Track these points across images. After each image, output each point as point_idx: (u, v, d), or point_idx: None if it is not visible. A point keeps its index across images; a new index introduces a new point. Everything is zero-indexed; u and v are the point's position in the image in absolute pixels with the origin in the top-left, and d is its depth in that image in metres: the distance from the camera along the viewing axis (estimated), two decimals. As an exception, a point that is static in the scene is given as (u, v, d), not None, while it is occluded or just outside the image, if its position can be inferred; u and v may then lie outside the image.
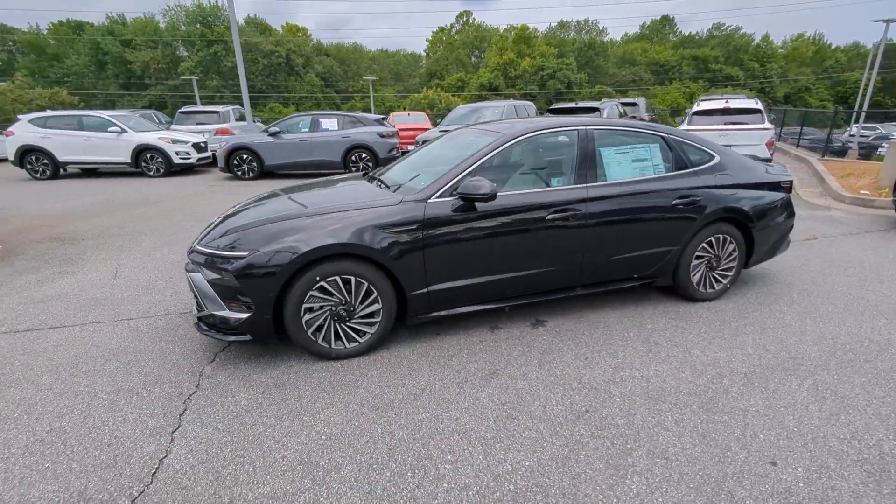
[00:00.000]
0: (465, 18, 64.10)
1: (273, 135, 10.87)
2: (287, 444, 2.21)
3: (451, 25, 65.15)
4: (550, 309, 3.67)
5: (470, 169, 3.08)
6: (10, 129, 11.53)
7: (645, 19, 77.68)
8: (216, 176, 11.65)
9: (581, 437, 2.23)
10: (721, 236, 3.64)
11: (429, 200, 2.96)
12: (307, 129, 11.01)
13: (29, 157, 11.36)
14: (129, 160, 11.50)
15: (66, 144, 11.33)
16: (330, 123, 11.05)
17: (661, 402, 2.49)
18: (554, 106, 10.00)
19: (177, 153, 11.57)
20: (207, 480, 2.00)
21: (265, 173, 11.14)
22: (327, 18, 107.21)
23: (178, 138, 11.73)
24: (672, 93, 50.17)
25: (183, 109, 14.24)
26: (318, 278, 2.77)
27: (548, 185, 3.33)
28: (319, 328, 2.88)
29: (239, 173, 10.99)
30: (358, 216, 2.86)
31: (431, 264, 2.96)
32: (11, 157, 11.42)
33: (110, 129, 11.36)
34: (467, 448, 2.17)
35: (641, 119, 13.87)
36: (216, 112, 13.96)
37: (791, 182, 3.95)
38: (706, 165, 3.66)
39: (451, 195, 2.98)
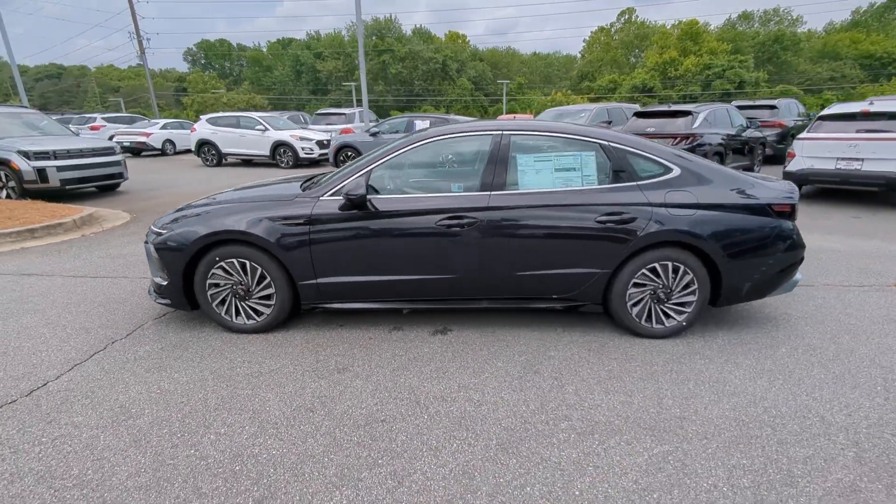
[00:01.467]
0: (626, 16, 59.89)
1: (373, 135, 11.83)
2: (130, 390, 2.61)
3: (612, 24, 61.50)
4: (464, 319, 3.49)
5: (363, 171, 3.12)
6: (194, 126, 14.59)
7: (860, 4, 62.69)
8: (329, 169, 13.13)
9: (334, 445, 2.18)
10: (670, 264, 3.03)
11: (320, 199, 3.10)
12: (403, 130, 11.71)
13: (203, 148, 14.25)
14: (268, 153, 13.64)
15: (227, 139, 13.92)
16: (422, 125, 11.56)
17: (463, 430, 2.27)
18: (641, 110, 8.97)
19: (302, 149, 13.35)
20: (57, 403, 2.48)
21: (365, 169, 12.18)
22: (494, 24, 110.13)
23: (306, 136, 13.51)
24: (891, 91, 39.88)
25: (318, 111, 16.29)
26: (217, 259, 3.13)
27: (448, 191, 3.19)
28: (223, 302, 3.25)
29: (344, 168, 12.23)
30: (259, 208, 3.14)
31: (319, 258, 3.10)
32: (193, 148, 14.46)
33: (257, 127, 13.62)
34: (245, 427, 2.30)
35: (780, 125, 11.55)
36: (343, 114, 15.66)
37: (790, 206, 3.07)
38: (657, 179, 3.07)
39: (339, 195, 3.08)
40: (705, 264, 3.04)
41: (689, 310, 3.11)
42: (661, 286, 3.08)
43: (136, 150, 18.20)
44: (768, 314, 3.54)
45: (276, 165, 13.76)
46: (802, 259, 3.20)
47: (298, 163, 13.45)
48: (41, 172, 8.22)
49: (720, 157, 8.36)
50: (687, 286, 3.07)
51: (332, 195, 3.10)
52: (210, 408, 2.45)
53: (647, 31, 57.22)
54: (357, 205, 3.01)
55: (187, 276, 3.20)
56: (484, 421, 2.34)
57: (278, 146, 13.50)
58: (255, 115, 14.12)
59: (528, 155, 3.13)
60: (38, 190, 8.24)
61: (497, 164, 3.09)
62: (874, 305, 3.65)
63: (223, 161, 14.36)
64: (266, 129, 13.56)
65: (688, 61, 46.07)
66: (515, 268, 3.08)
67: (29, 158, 8.16)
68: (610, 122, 9.71)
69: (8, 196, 8.34)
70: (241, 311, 3.26)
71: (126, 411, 2.42)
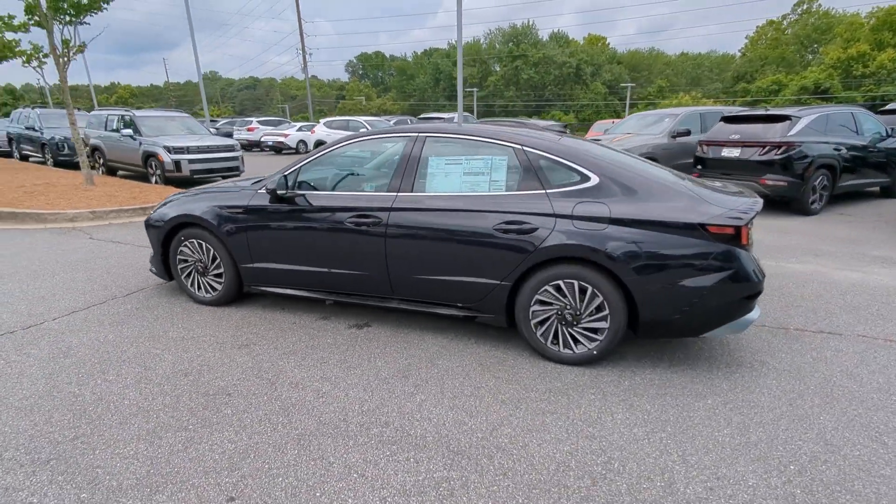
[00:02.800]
0: (805, 5, 50.90)
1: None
2: (84, 336, 3.20)
3: (784, 17, 52.85)
4: (387, 317, 3.50)
5: (292, 168, 3.34)
6: (313, 128, 16.48)
7: None
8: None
9: (172, 405, 2.41)
10: (576, 283, 2.67)
11: (257, 191, 3.40)
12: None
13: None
14: (368, 154, 14.80)
15: (337, 140, 15.44)
16: (502, 129, 11.45)
17: (284, 416, 2.34)
18: (731, 113, 7.68)
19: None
20: (34, 338, 3.17)
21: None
22: (645, 23, 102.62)
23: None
24: None
25: (422, 116, 17.10)
26: (182, 238, 3.65)
27: (362, 190, 3.24)
28: (189, 276, 3.76)
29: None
30: (216, 198, 3.57)
31: (253, 245, 3.41)
32: (311, 148, 16.33)
33: (360, 130, 14.87)
34: (128, 378, 2.68)
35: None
36: (442, 118, 16.20)
37: (733, 228, 2.47)
38: (570, 188, 2.73)
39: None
40: (620, 287, 2.62)
41: (600, 337, 2.71)
42: (567, 307, 2.74)
43: (278, 149, 21.14)
44: (737, 359, 2.89)
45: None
46: (756, 293, 2.57)
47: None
48: (177, 164, 10.13)
49: (831, 171, 6.80)
50: (599, 310, 2.68)
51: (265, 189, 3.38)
52: (122, 359, 2.91)
53: (830, 21, 47.90)
54: (278, 198, 3.25)
55: (165, 251, 3.78)
56: (309, 412, 2.39)
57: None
58: (361, 118, 15.43)
59: (439, 158, 3.04)
60: (174, 177, 10.17)
61: (408, 166, 3.06)
62: (874, 370, 2.74)
63: (333, 160, 15.95)
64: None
65: (883, 56, 37.49)
66: (419, 271, 3.01)
67: (170, 152, 10.13)
68: (690, 130, 8.50)
69: (156, 181, 10.47)
70: (202, 286, 3.74)
71: (65, 351, 3.00)
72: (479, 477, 1.95)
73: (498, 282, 2.83)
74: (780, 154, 6.54)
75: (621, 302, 2.62)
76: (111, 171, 11.97)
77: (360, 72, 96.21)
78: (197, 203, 3.59)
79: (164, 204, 3.83)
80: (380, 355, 2.96)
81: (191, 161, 10.33)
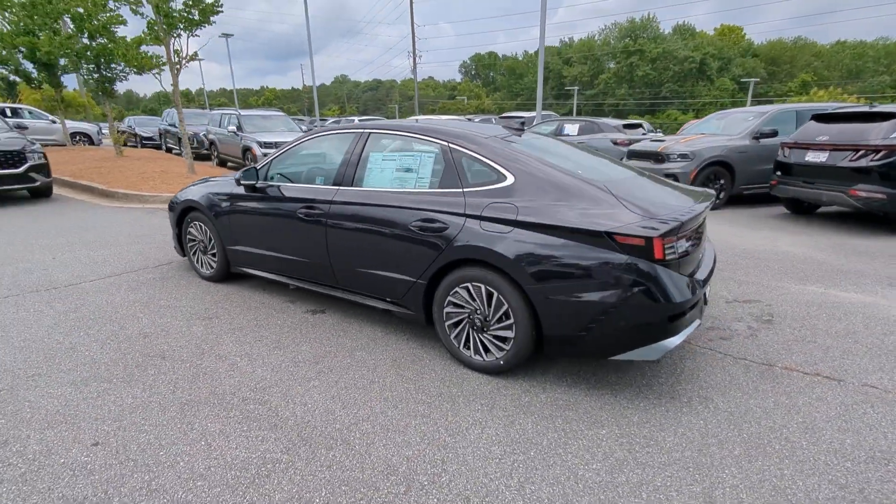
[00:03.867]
0: None
1: (523, 137, 11.76)
2: (102, 297, 3.80)
3: None
4: (339, 305, 3.62)
5: (266, 161, 3.60)
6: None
7: None
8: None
9: (107, 358, 2.77)
10: (483, 287, 2.52)
11: (240, 181, 3.73)
12: (555, 133, 11.28)
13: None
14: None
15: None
16: (571, 129, 10.91)
17: (180, 378, 2.58)
18: (824, 112, 6.40)
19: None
20: (67, 294, 3.85)
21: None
22: (799, 6, 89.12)
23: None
24: None
25: (503, 114, 16.89)
26: (188, 220, 4.14)
27: (314, 183, 3.37)
28: (195, 253, 4.25)
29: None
30: (215, 186, 3.98)
31: (234, 229, 3.76)
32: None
33: (439, 128, 15.21)
34: (101, 334, 3.15)
35: None
36: (522, 117, 15.85)
37: (643, 239, 2.11)
38: (486, 188, 2.57)
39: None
40: (525, 296, 2.42)
41: (507, 347, 2.53)
42: (477, 311, 2.60)
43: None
44: (679, 391, 2.49)
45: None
46: (677, 315, 2.19)
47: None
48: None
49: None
50: (506, 317, 2.50)
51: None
52: (110, 318, 3.41)
53: None
54: (249, 188, 3.55)
55: (181, 230, 4.32)
56: (212, 381, 2.59)
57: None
58: (434, 119, 15.72)
59: (379, 153, 3.07)
60: (263, 169, 11.41)
61: (350, 161, 3.13)
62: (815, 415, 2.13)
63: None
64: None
65: None
66: (354, 263, 3.08)
67: (261, 146, 11.38)
68: (777, 131, 7.21)
69: (250, 172, 11.84)
70: (203, 263, 4.21)
71: (77, 308, 3.61)
72: (304, 465, 1.98)
73: (415, 279, 2.79)
74: (879, 160, 5.34)
75: (526, 311, 2.42)
76: (222, 163, 13.78)
77: (473, 72, 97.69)
78: (199, 189, 4.05)
79: (184, 189, 4.38)
80: (311, 340, 3.09)
81: (277, 155, 11.50)
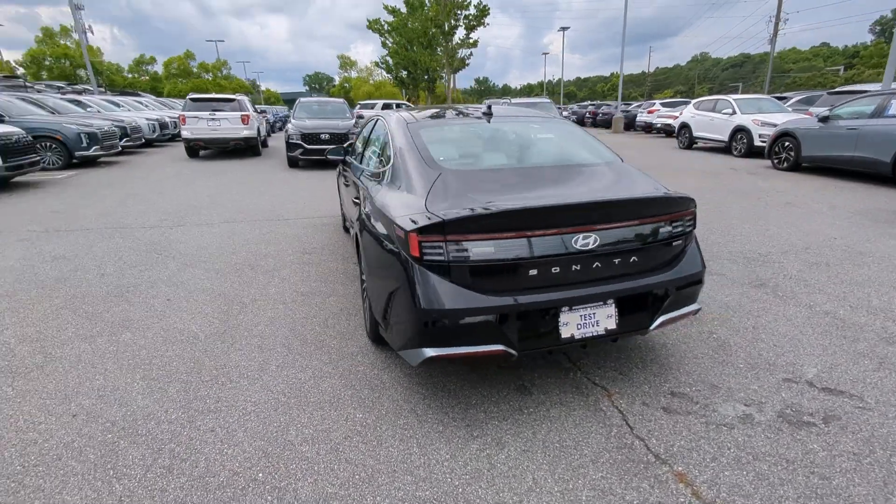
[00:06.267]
0: None
1: (823, 120, 8.53)
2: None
3: None
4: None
5: (350, 141, 4.57)
6: (678, 110, 15.03)
7: None
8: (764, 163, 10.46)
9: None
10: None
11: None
12: (868, 114, 7.77)
13: (682, 131, 14.62)
14: (726, 139, 12.39)
15: (700, 122, 13.63)
16: (902, 105, 7.21)
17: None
18: None
19: (759, 136, 11.25)
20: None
21: (800, 166, 9.10)
22: None
23: (769, 121, 11.17)
24: None
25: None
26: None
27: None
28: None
29: (775, 161, 9.63)
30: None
31: (341, 188, 4.99)
32: (675, 131, 15.08)
33: (725, 110, 12.52)
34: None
35: None
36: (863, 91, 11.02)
37: (403, 232, 1.93)
38: (382, 170, 2.77)
39: (343, 157, 4.74)
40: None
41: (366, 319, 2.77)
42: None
43: (668, 131, 20.23)
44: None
45: (730, 153, 12.28)
46: (438, 325, 1.98)
47: (751, 151, 11.47)
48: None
49: None
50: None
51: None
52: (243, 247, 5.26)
53: None
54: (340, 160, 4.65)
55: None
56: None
57: (737, 132, 11.93)
58: (732, 97, 12.79)
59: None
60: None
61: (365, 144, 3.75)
62: None
63: (692, 145, 14.19)
64: (733, 113, 12.21)
65: None
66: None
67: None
68: None
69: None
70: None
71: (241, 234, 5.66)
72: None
73: (355, 247, 3.28)
74: None
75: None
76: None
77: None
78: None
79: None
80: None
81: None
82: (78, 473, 1.88)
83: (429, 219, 1.98)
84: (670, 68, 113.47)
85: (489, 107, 3.16)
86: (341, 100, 13.32)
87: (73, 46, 33.24)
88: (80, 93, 18.69)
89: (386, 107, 23.48)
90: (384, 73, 22.20)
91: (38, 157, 9.13)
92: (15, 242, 5.09)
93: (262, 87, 78.76)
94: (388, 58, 18.12)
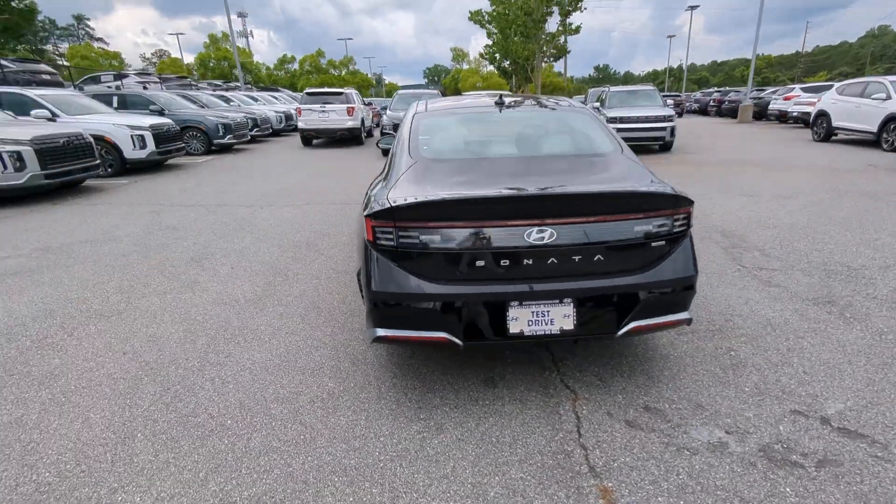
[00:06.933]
0: None
1: None
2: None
3: None
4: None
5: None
6: (818, 97, 12.72)
7: None
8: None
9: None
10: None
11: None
12: None
13: (818, 120, 12.41)
14: (874, 130, 10.24)
15: (842, 110, 11.43)
16: None
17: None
18: None
19: (919, 126, 9.10)
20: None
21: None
22: None
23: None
24: None
25: None
26: None
27: None
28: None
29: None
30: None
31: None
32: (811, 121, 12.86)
33: (875, 95, 10.31)
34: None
35: None
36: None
37: (367, 216, 1.99)
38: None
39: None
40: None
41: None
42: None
43: (804, 120, 17.26)
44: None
45: (879, 146, 10.09)
46: (381, 305, 2.05)
47: (908, 145, 9.33)
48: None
49: None
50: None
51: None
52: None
53: None
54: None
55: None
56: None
57: (890, 121, 9.76)
58: (888, 79, 10.40)
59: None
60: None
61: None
62: None
63: (830, 137, 11.93)
64: (887, 98, 9.98)
65: None
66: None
67: (607, 121, 11.83)
68: None
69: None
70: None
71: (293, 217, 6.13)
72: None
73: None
74: None
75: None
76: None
77: None
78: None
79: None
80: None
81: (619, 130, 11.58)
82: (107, 398, 2.33)
83: (381, 205, 2.05)
84: (834, 46, 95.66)
85: (501, 97, 3.07)
86: (436, 91, 13.66)
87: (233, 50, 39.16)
88: (226, 90, 21.66)
89: (489, 97, 23.49)
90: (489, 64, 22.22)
91: (183, 145, 10.88)
92: (146, 213, 6.20)
93: (386, 81, 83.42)
94: (491, 48, 18.05)
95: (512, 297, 1.98)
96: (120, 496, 1.74)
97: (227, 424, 2.12)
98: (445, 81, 67.66)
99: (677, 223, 2.07)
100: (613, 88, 13.54)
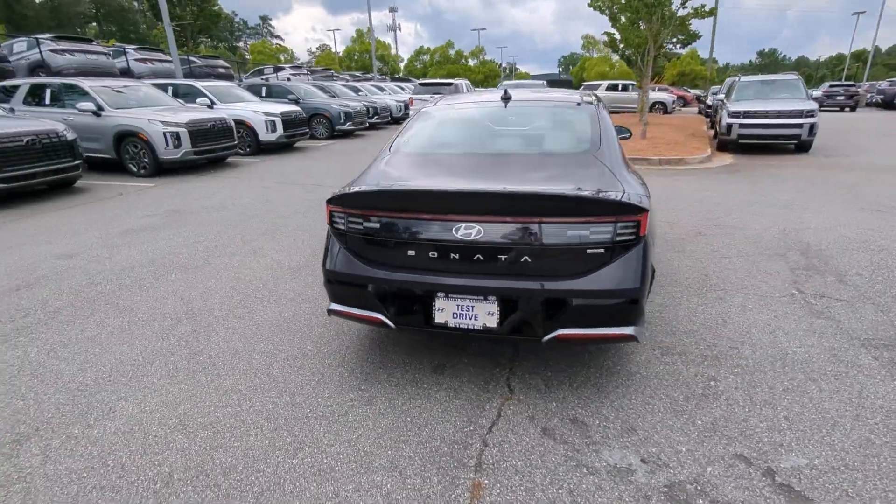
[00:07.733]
0: None
1: None
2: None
3: None
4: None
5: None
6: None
7: None
8: None
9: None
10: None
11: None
12: None
13: None
14: None
15: None
16: None
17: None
18: None
19: None
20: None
21: None
22: None
23: None
24: None
25: None
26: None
27: None
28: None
29: None
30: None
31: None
32: None
33: None
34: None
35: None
36: None
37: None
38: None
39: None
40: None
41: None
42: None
43: None
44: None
45: None
46: (325, 280, 2.25)
47: None
48: (729, 127, 10.29)
49: None
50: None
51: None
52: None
53: None
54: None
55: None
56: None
57: None
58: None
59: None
60: (725, 140, 10.44)
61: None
62: None
63: None
64: None
65: None
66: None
67: (728, 116, 10.35)
68: None
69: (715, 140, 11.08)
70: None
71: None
72: None
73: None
74: None
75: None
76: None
77: None
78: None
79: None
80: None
81: (741, 126, 10.07)
82: (153, 331, 2.94)
83: (335, 192, 2.24)
84: None
85: (506, 91, 2.99)
86: (541, 82, 13.28)
87: (378, 42, 42.87)
88: (359, 80, 23.55)
89: (611, 88, 21.90)
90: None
91: (307, 130, 12.27)
92: (258, 187, 7.25)
93: (519, 70, 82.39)
94: (612, 35, 16.76)
95: (438, 288, 2.03)
96: (122, 404, 2.24)
97: (216, 365, 2.55)
98: (573, 71, 64.58)
99: (623, 232, 1.90)
100: (745, 78, 11.71)
